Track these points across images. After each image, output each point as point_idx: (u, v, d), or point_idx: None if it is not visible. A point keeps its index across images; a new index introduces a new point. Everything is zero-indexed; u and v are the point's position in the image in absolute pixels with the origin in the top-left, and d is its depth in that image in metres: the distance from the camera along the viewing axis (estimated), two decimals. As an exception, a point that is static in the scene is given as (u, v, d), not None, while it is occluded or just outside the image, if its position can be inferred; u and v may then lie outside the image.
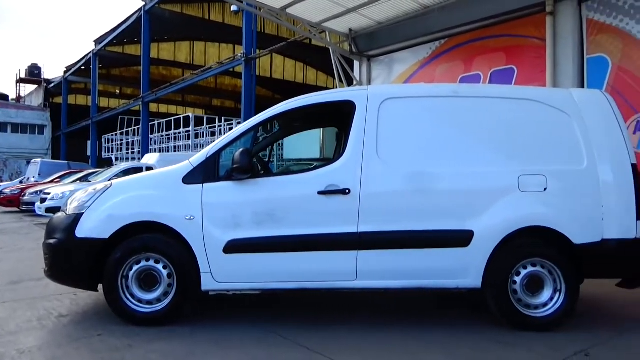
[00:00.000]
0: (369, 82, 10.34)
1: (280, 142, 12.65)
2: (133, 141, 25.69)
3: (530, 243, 3.76)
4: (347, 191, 3.67)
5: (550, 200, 3.72)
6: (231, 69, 21.87)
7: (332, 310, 4.36)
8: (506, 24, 7.89)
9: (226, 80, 35.29)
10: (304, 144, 11.33)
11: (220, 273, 3.70)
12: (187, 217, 3.69)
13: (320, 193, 3.69)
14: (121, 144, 26.85)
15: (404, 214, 3.69)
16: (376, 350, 3.32)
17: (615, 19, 6.65)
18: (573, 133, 3.85)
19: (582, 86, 6.92)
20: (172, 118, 22.93)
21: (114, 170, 13.22)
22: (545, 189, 3.72)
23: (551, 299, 3.71)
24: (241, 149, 3.74)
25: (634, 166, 3.78)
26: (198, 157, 3.91)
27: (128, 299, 3.72)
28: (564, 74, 7.08)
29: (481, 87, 6.43)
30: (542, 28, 7.33)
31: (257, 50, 17.51)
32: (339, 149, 4.92)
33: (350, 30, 10.07)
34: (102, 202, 3.80)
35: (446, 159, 3.81)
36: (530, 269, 3.72)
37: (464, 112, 3.97)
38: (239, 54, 17.73)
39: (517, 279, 3.70)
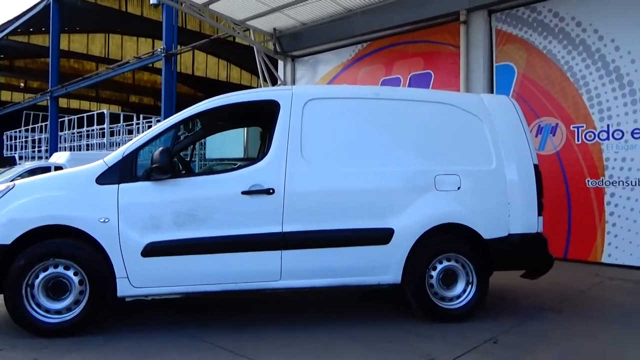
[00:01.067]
0: (294, 82, 10.37)
1: (202, 141, 12.34)
2: (40, 138, 23.80)
3: (445, 239, 3.97)
4: (271, 191, 3.66)
5: (463, 198, 3.94)
6: (150, 65, 20.95)
7: (258, 312, 4.32)
8: (424, 31, 8.27)
9: (145, 75, 33.75)
10: (228, 143, 11.13)
11: (138, 277, 3.54)
12: (102, 220, 3.49)
13: (244, 193, 3.64)
14: (26, 142, 24.77)
15: (328, 213, 3.75)
16: (302, 349, 3.34)
17: (520, 31, 7.21)
18: (483, 135, 4.12)
19: (492, 92, 7.42)
20: (85, 114, 21.53)
21: (18, 169, 12.14)
22: (459, 188, 3.94)
23: (464, 291, 3.94)
24: (161, 148, 3.59)
25: (536, 166, 4.12)
26: (114, 156, 3.70)
27: (34, 309, 3.44)
28: (475, 79, 7.55)
29: (401, 90, 6.68)
30: (456, 36, 7.77)
31: (178, 46, 16.91)
32: (263, 149, 4.89)
33: (275, 29, 10.05)
34: (3, 204, 3.48)
35: (368, 159, 3.92)
36: (445, 263, 3.92)
37: (385, 114, 4.10)
38: (159, 49, 17.00)
39: (434, 273, 3.89)
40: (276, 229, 3.64)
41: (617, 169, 6.28)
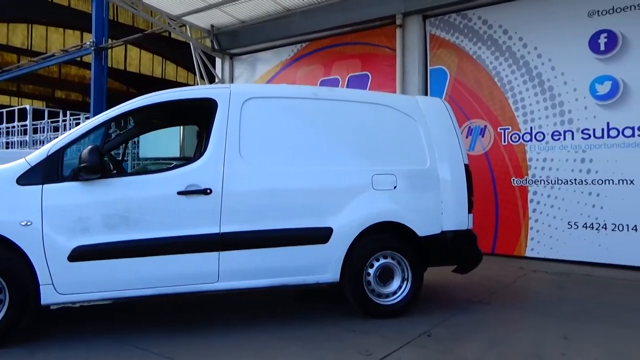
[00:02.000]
0: (232, 81, 10.22)
1: (135, 139, 11.87)
2: (-48, 135, 21.85)
3: (382, 237, 4.06)
4: (208, 191, 3.58)
5: (399, 197, 4.06)
6: (78, 58, 19.86)
7: (194, 315, 4.22)
8: (362, 33, 8.43)
9: (72, 70, 31.93)
10: (163, 142, 10.76)
11: (65, 284, 3.34)
12: (23, 223, 3.26)
13: (180, 193, 3.54)
14: (-64, 138, 22.65)
15: (267, 213, 3.72)
16: (241, 350, 3.30)
17: (452, 36, 7.52)
18: (418, 136, 4.26)
19: (426, 94, 7.70)
20: (4, 110, 20.02)
21: None
22: (395, 187, 4.05)
23: (400, 287, 4.06)
24: (90, 146, 3.41)
25: (466, 166, 4.32)
26: (37, 154, 3.47)
27: (-56, 321, 3.16)
28: (410, 82, 7.80)
29: (340, 90, 6.75)
30: (392, 39, 7.99)
31: (110, 40, 16.15)
32: (200, 148, 4.78)
33: (212, 26, 9.85)
34: None
35: (307, 158, 3.93)
36: (382, 261, 4.02)
37: (324, 114, 4.14)
38: (88, 42, 16.15)
39: (371, 270, 3.98)
40: (214, 229, 3.57)
41: (538, 168, 6.72)
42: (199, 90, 4.14)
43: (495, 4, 7.13)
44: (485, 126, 7.18)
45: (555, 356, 3.23)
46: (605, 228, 6.21)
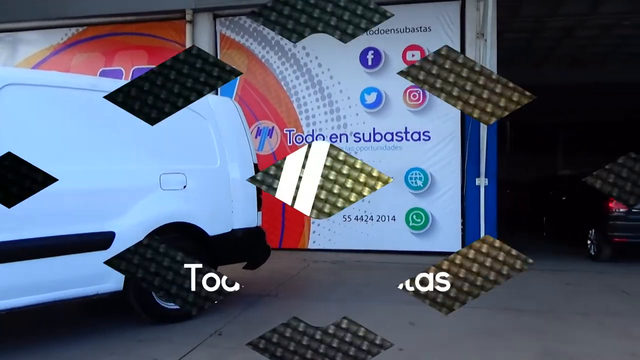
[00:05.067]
0: (-15, 62, 8.55)
1: None
2: None
3: (171, 238, 3.89)
4: (-51, 195, 2.91)
5: (189, 197, 3.98)
6: None
7: None
8: (148, 24, 7.98)
9: None
10: None
11: None
12: None
13: None
14: None
15: (32, 219, 3.21)
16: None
17: (242, 38, 7.71)
18: (209, 135, 4.24)
19: (216, 93, 7.69)
20: None
21: None
22: (185, 187, 3.96)
23: (190, 289, 3.98)
24: None
25: (256, 165, 4.48)
26: None
27: None
28: (200, 80, 7.69)
29: (124, 83, 6.27)
30: (182, 34, 7.77)
31: None
32: (-63, 141, 3.86)
33: (-45, -8, 8.05)
34: None
35: (82, 156, 3.53)
36: (172, 263, 3.88)
37: (105, 108, 3.74)
38: None
39: (160, 275, 3.80)
40: (-42, 241, 2.93)
41: (320, 168, 7.40)
42: None
43: (282, 12, 7.56)
44: (273, 127, 7.57)
45: (332, 337, 3.60)
46: (372, 219, 7.20)
